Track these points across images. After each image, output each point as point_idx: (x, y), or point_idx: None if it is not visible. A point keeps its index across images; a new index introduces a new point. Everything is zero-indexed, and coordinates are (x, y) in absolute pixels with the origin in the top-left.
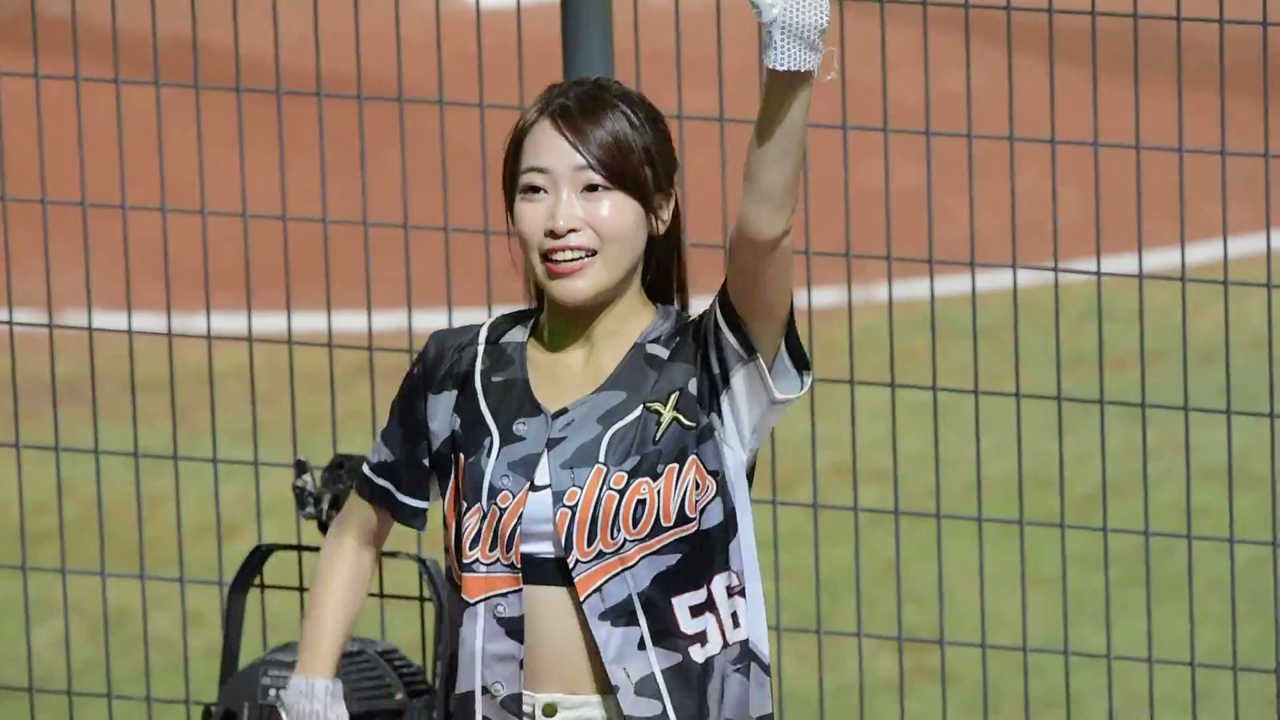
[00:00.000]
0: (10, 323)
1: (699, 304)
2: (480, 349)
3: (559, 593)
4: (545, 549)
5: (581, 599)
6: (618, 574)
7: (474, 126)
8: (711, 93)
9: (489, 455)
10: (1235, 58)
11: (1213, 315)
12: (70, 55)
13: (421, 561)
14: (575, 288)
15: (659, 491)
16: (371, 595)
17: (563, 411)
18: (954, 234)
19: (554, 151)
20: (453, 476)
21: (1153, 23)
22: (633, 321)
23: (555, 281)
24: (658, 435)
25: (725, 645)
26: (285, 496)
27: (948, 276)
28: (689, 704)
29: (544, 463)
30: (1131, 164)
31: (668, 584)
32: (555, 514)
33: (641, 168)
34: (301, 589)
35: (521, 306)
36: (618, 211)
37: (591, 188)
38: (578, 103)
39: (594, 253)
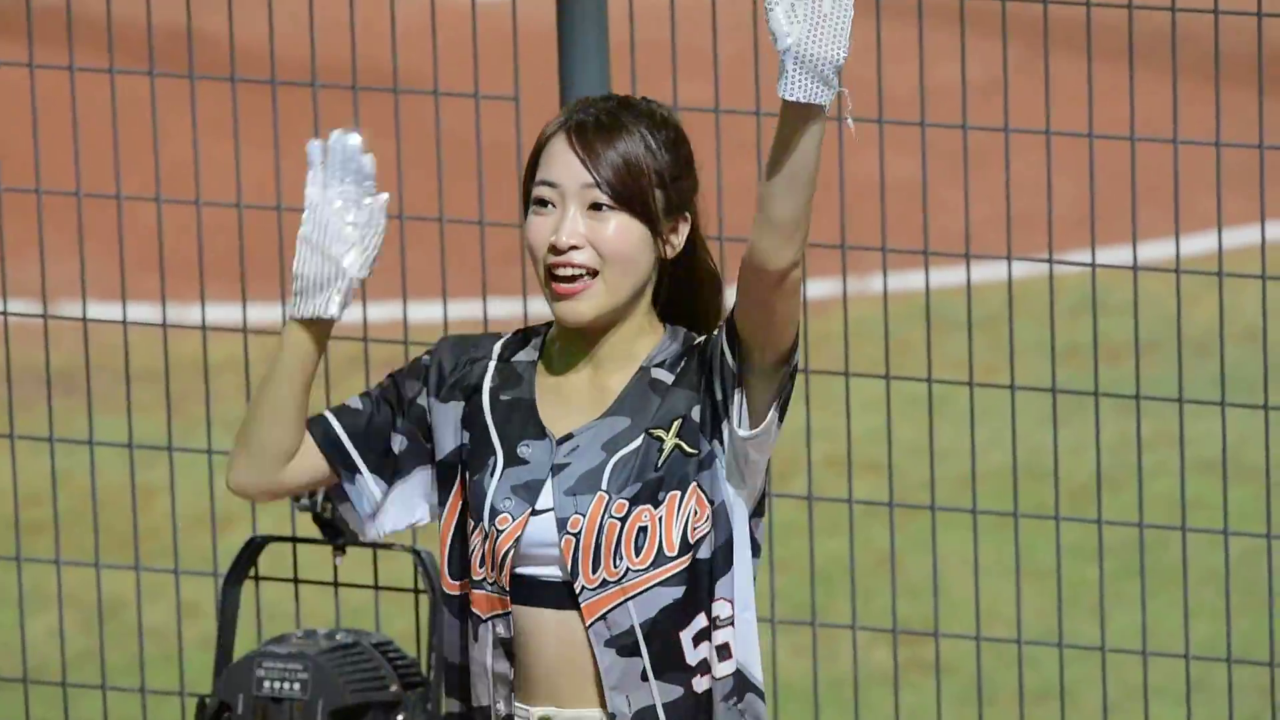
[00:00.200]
0: (5, 313)
1: None
2: (492, 365)
3: (565, 615)
4: (550, 573)
5: (588, 624)
6: (621, 603)
7: (469, 117)
8: (707, 84)
9: (492, 475)
10: (1230, 49)
11: (1207, 307)
12: (65, 45)
13: (416, 553)
14: (578, 310)
15: (660, 519)
16: (366, 587)
17: (568, 437)
18: (949, 225)
19: (565, 167)
20: (455, 489)
21: (1147, 13)
22: (640, 343)
23: (558, 302)
24: (659, 462)
25: (715, 678)
26: None
27: (943, 268)
28: None
29: (548, 487)
30: (1126, 155)
31: (672, 616)
32: (560, 540)
33: (650, 191)
34: (296, 581)
35: (533, 322)
36: (621, 233)
37: (597, 206)
38: (595, 120)
39: (595, 273)
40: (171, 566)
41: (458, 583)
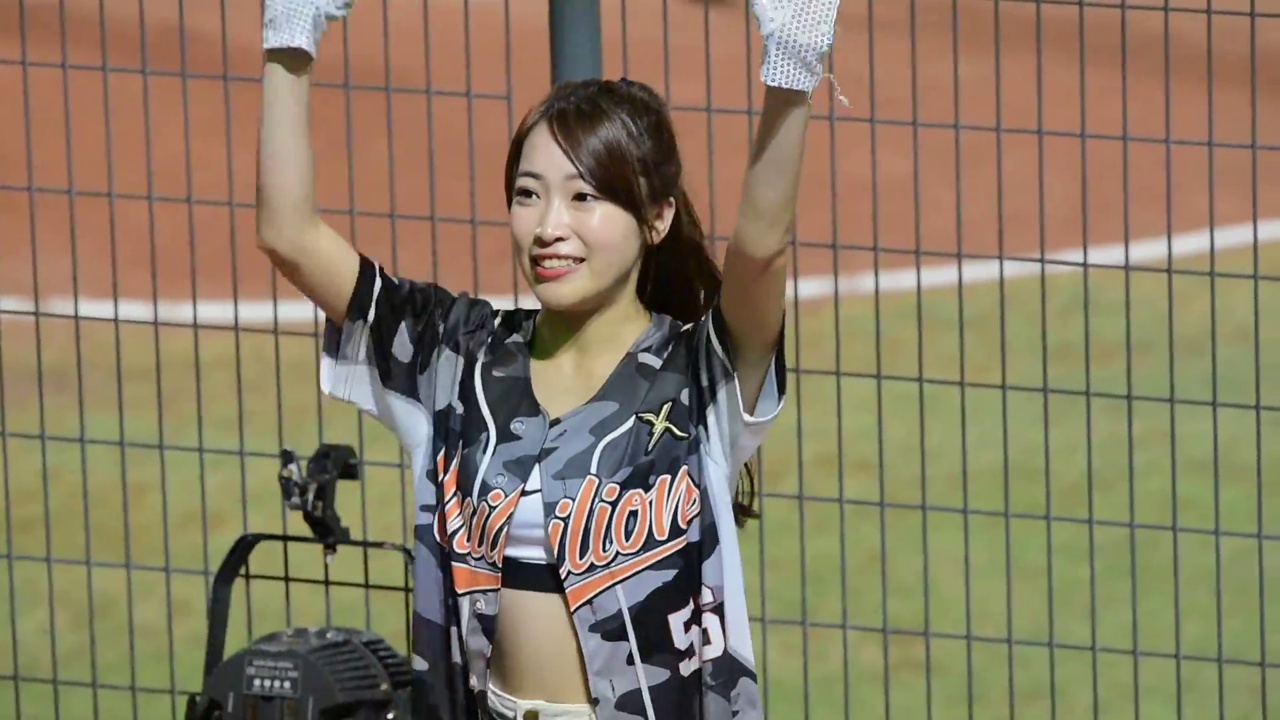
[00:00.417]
0: None
1: None
2: (488, 340)
3: (548, 599)
4: (535, 555)
5: (572, 610)
6: (609, 588)
7: (461, 115)
8: (699, 83)
9: (484, 450)
10: (1222, 49)
11: (1199, 306)
12: (57, 42)
13: (406, 552)
14: (559, 292)
15: (651, 503)
16: (356, 586)
17: (555, 422)
18: (941, 225)
19: (548, 158)
20: (443, 451)
21: (1140, 14)
22: (626, 329)
23: (541, 285)
24: (650, 446)
25: (702, 661)
26: (271, 486)
27: (934, 267)
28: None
29: (536, 470)
30: (1118, 155)
31: (661, 600)
32: (547, 524)
33: (634, 179)
34: (287, 579)
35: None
36: (606, 222)
37: (581, 196)
38: (576, 109)
39: (581, 260)
40: (162, 564)
41: (444, 537)
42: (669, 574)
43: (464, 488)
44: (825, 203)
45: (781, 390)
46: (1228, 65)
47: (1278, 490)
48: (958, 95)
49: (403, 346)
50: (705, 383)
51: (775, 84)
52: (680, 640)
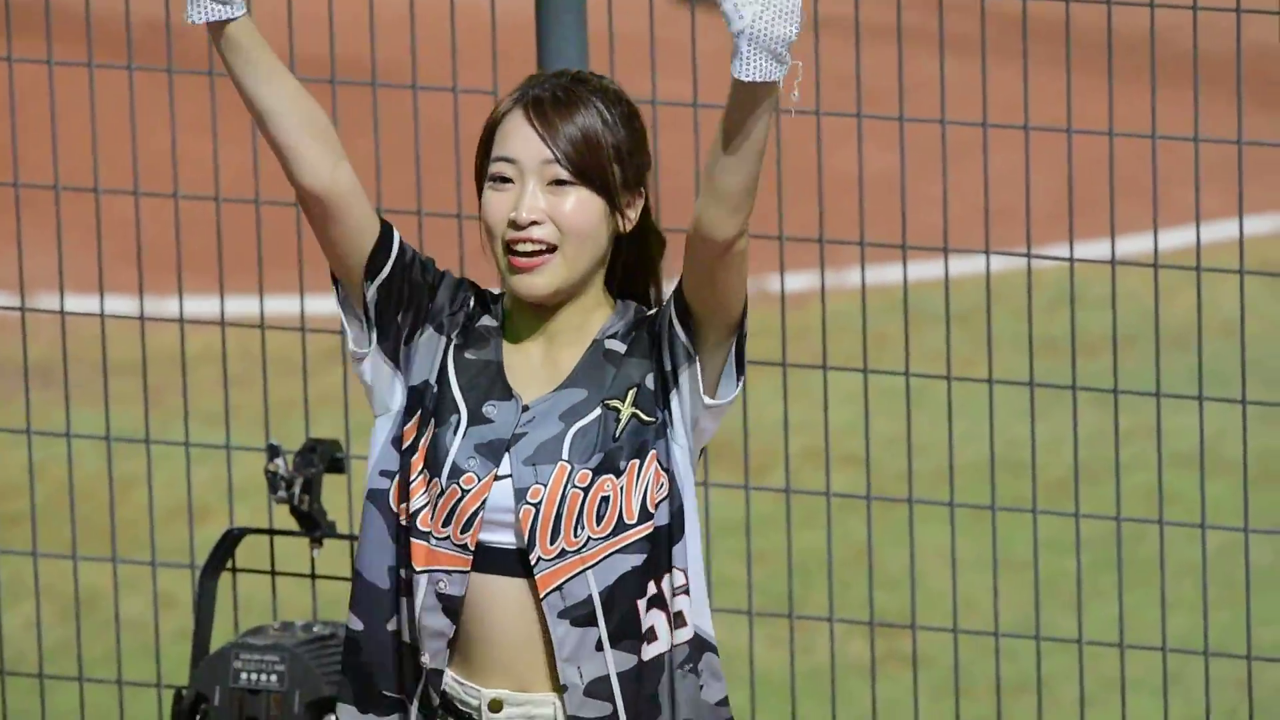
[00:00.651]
0: None
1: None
2: (461, 323)
3: (516, 584)
4: (505, 539)
5: (541, 596)
6: (579, 573)
7: (447, 111)
8: (685, 79)
9: (454, 432)
10: (1208, 47)
11: (1185, 301)
12: (43, 38)
13: None
14: (534, 284)
15: (622, 488)
16: (343, 579)
17: (525, 409)
18: (927, 220)
19: (523, 143)
20: (413, 425)
21: (1127, 11)
22: (593, 317)
23: (515, 276)
24: (618, 432)
25: (672, 645)
26: (257, 480)
27: (921, 262)
28: (640, 704)
29: (506, 455)
30: (1104, 151)
31: (629, 584)
32: (518, 510)
33: (609, 165)
34: (273, 573)
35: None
36: (581, 207)
37: (557, 182)
38: (552, 95)
39: (554, 248)
40: (149, 558)
41: (403, 507)
42: (638, 558)
43: (432, 467)
44: (812, 197)
45: (740, 372)
46: (1213, 62)
47: (1264, 484)
48: (944, 91)
49: (399, 315)
50: (668, 367)
51: (749, 79)
52: (645, 624)
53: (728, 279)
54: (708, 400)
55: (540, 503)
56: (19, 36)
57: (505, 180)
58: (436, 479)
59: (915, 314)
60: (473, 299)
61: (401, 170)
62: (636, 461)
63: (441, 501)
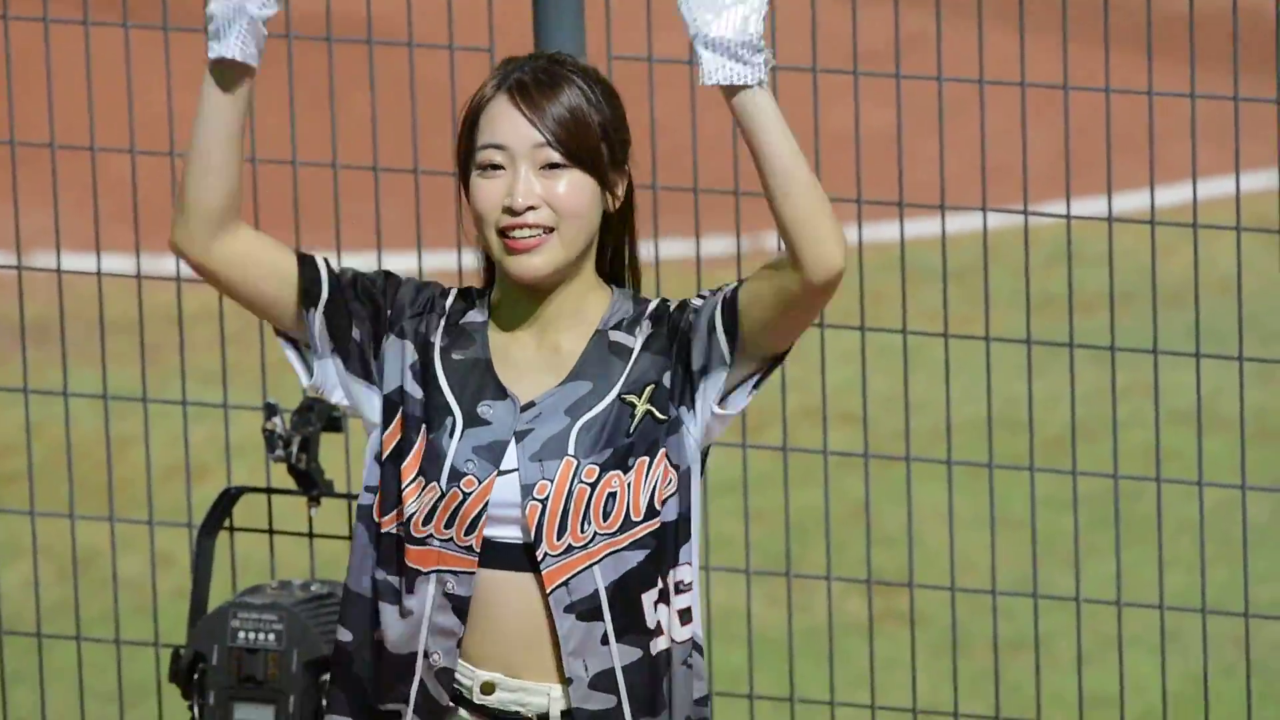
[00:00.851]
0: None
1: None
2: (442, 322)
3: (521, 578)
4: (511, 534)
5: (548, 591)
6: (586, 569)
7: (443, 68)
8: (680, 35)
9: (451, 435)
10: (1202, 7)
11: (1182, 258)
12: None
13: None
14: (532, 264)
15: (629, 485)
16: (340, 538)
17: (530, 405)
18: (924, 177)
19: (512, 128)
20: (394, 424)
21: None
22: (589, 301)
23: (512, 258)
24: (631, 428)
25: (675, 642)
26: (254, 439)
27: (917, 219)
28: (645, 698)
29: (511, 450)
30: (1101, 107)
31: (635, 579)
32: (525, 505)
33: (599, 145)
34: (271, 531)
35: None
36: (575, 189)
37: (549, 165)
38: (534, 78)
39: (551, 230)
40: (146, 517)
41: (388, 517)
42: (643, 554)
43: (428, 473)
44: (808, 155)
45: (756, 388)
46: (1207, 24)
47: (1261, 441)
48: (941, 48)
49: (356, 330)
50: (698, 365)
51: (714, 84)
52: (651, 619)
53: (801, 317)
54: (716, 409)
55: (547, 499)
56: None
57: (495, 167)
58: (435, 483)
59: (912, 272)
60: (449, 298)
61: (397, 128)
62: (646, 459)
63: (442, 505)
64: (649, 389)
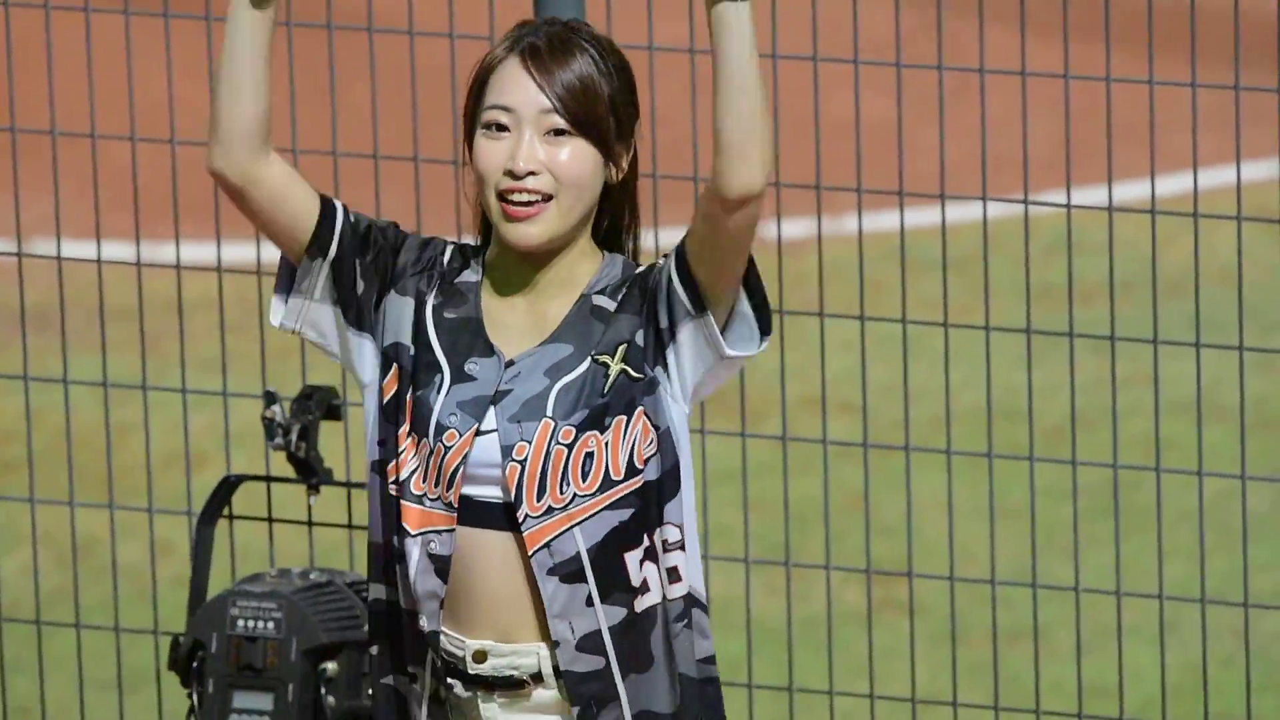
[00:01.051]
0: None
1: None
2: (437, 280)
3: (503, 538)
4: (492, 493)
5: (530, 553)
6: (567, 530)
7: (444, 57)
8: (682, 23)
9: (438, 391)
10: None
11: (1182, 248)
12: None
13: None
14: (529, 233)
15: (607, 444)
16: (340, 526)
17: (510, 363)
18: (924, 166)
19: (520, 91)
20: (390, 375)
21: None
22: (580, 268)
23: (510, 225)
24: (605, 388)
25: (665, 599)
26: (254, 427)
27: (917, 208)
28: (632, 656)
29: (491, 411)
30: (1101, 97)
31: (617, 539)
32: (504, 466)
33: (606, 115)
34: (270, 520)
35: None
36: (578, 157)
37: (554, 132)
38: (548, 43)
39: (550, 197)
40: (145, 505)
41: (390, 467)
42: (626, 513)
43: (418, 429)
44: (809, 144)
45: (765, 331)
46: (1207, 15)
47: (1260, 431)
48: (941, 37)
49: (361, 283)
50: (664, 324)
51: None
52: (635, 577)
53: (730, 241)
54: (727, 351)
55: (526, 459)
56: None
57: (501, 128)
58: (425, 439)
59: (912, 261)
60: (447, 254)
61: (398, 116)
62: (624, 418)
63: (431, 461)
64: (621, 348)
